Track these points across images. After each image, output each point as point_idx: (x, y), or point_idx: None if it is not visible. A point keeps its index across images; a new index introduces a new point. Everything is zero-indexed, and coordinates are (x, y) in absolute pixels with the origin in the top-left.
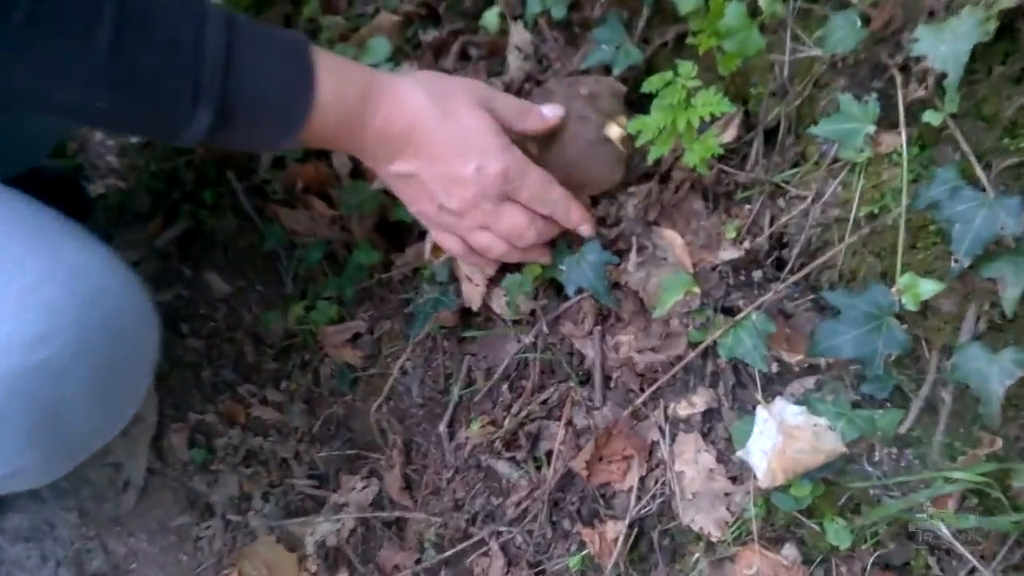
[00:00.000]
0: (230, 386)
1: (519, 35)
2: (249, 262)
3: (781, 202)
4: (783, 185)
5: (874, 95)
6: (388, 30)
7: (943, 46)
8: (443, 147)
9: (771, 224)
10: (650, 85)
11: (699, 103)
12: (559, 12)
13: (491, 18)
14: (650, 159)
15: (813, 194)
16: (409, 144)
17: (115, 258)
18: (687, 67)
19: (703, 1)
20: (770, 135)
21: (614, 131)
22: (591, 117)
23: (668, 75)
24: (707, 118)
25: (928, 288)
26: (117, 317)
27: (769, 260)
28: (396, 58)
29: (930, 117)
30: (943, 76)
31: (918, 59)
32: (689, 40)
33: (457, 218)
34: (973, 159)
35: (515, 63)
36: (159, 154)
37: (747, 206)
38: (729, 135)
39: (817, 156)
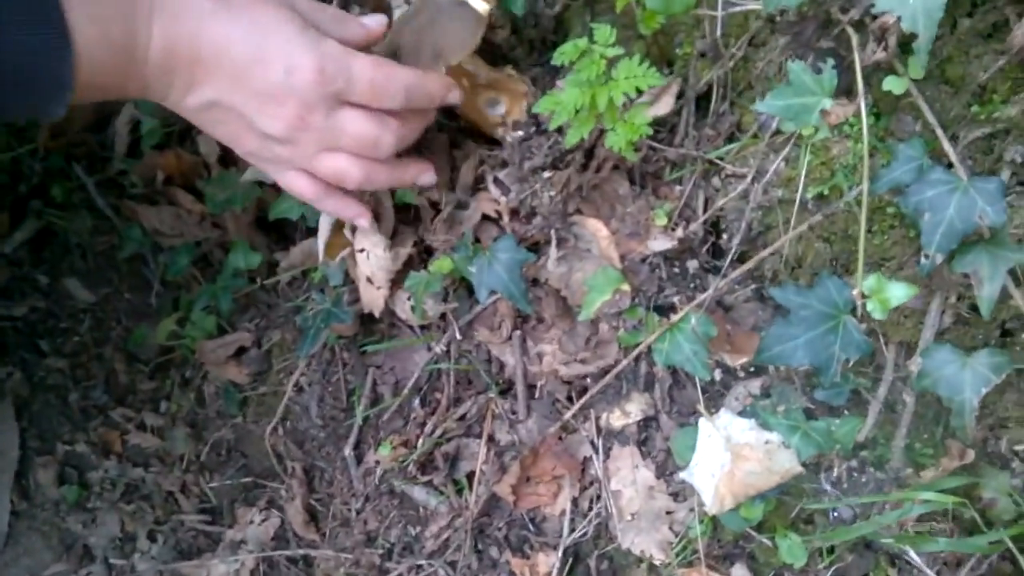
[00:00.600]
0: (102, 410)
1: None
2: (113, 267)
3: (716, 180)
4: (718, 162)
5: (830, 62)
6: None
7: (912, 0)
8: (240, 57)
9: (706, 207)
10: (562, 56)
11: (621, 76)
12: None
13: None
14: (567, 143)
15: (753, 172)
16: (199, 64)
17: None
18: (604, 31)
19: None
20: (700, 102)
21: None
22: None
23: (583, 43)
24: (632, 93)
25: (899, 294)
26: None
27: (705, 248)
28: None
29: (892, 84)
30: (909, 36)
31: (875, 15)
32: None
33: (289, 146)
34: (939, 131)
35: None
36: None
37: (678, 187)
38: (663, 108)
39: (756, 128)
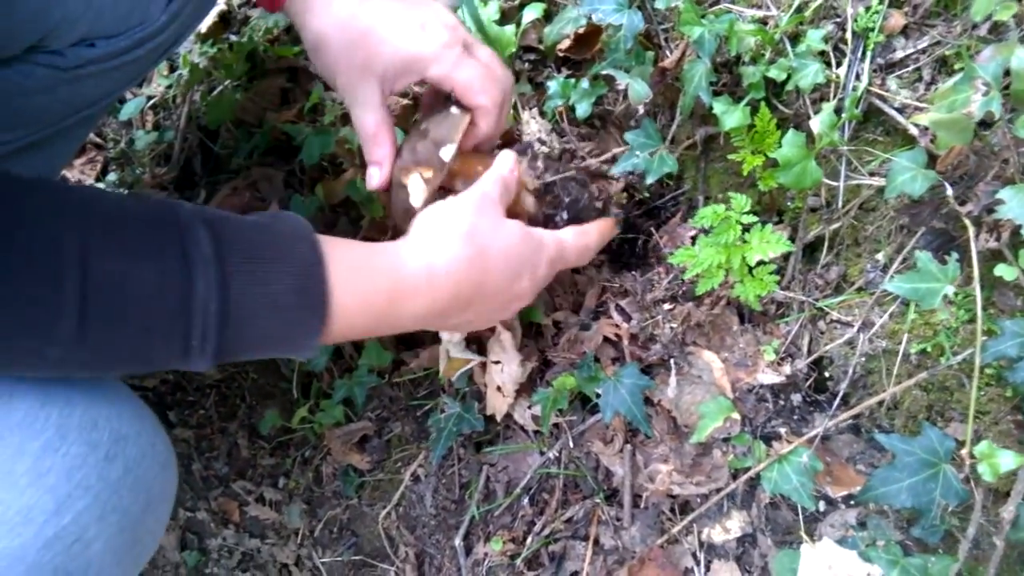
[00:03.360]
0: (223, 481)
1: (538, 124)
2: None
3: (822, 324)
4: (824, 308)
5: (954, 256)
6: (396, 113)
7: None
8: (491, 288)
9: (810, 348)
10: (702, 220)
11: (754, 240)
12: (584, 110)
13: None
14: (697, 291)
15: (859, 323)
16: (455, 307)
17: (127, 396)
18: (740, 201)
19: (748, 118)
20: (808, 251)
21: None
22: None
23: (720, 209)
24: (764, 256)
25: (1008, 461)
26: (138, 467)
27: (808, 383)
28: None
29: (1003, 271)
30: (1018, 227)
31: (990, 209)
32: (732, 156)
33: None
34: None
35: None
36: None
37: (784, 326)
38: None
39: (861, 281)
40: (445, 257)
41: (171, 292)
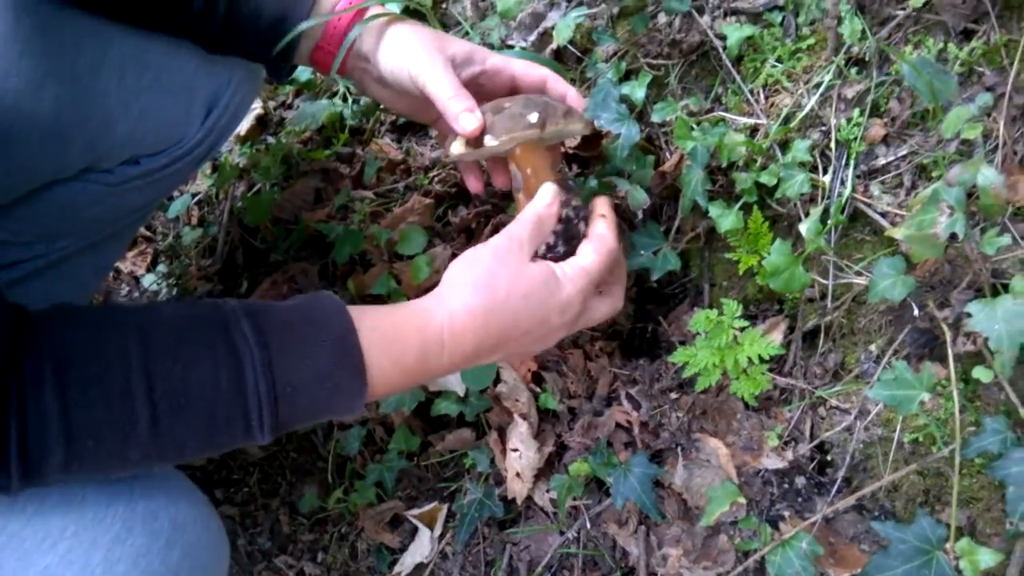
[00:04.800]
0: (266, 555)
1: None
2: None
3: (822, 411)
4: (824, 396)
5: (928, 365)
6: (420, 211)
7: (997, 325)
8: (520, 329)
9: (812, 434)
10: (697, 325)
11: (746, 343)
12: None
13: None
14: (697, 388)
15: (857, 411)
16: (487, 347)
17: (183, 485)
18: (732, 306)
19: (742, 221)
20: (807, 337)
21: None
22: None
23: (713, 315)
24: (755, 358)
25: (987, 559)
26: (195, 550)
27: (812, 466)
28: (430, 239)
29: (980, 374)
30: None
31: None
32: (728, 255)
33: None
34: (1022, 410)
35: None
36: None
37: (788, 411)
38: (775, 339)
39: (858, 370)
40: (464, 310)
41: (226, 382)
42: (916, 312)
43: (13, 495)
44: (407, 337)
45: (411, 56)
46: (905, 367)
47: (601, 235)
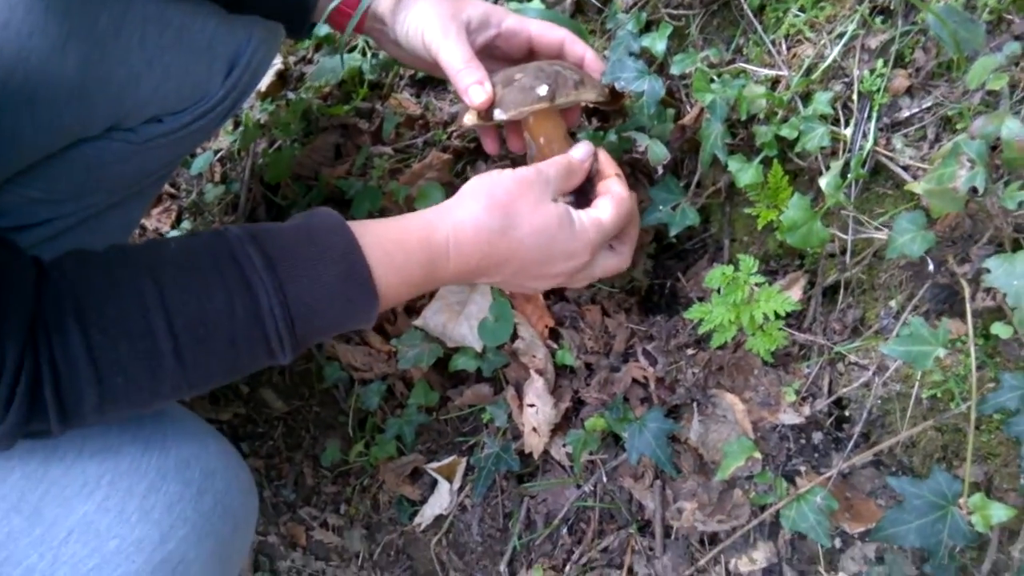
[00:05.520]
0: (290, 507)
1: None
2: (305, 383)
3: (840, 366)
4: (843, 351)
5: (944, 320)
6: (438, 167)
7: (1015, 281)
8: (524, 260)
9: (830, 390)
10: (712, 281)
11: (762, 299)
12: None
13: None
14: (712, 344)
15: (875, 367)
16: (490, 266)
17: (212, 435)
18: (748, 262)
19: (761, 175)
20: (827, 292)
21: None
22: None
23: (729, 271)
24: (771, 314)
25: (1000, 514)
26: (226, 497)
27: (830, 421)
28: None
29: (999, 330)
30: None
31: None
32: (748, 210)
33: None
34: None
35: None
36: None
37: (806, 367)
38: (794, 295)
39: (877, 326)
40: (473, 225)
41: (242, 309)
42: (934, 268)
43: (55, 438)
44: (412, 249)
45: (425, 22)
46: (921, 323)
47: (617, 192)
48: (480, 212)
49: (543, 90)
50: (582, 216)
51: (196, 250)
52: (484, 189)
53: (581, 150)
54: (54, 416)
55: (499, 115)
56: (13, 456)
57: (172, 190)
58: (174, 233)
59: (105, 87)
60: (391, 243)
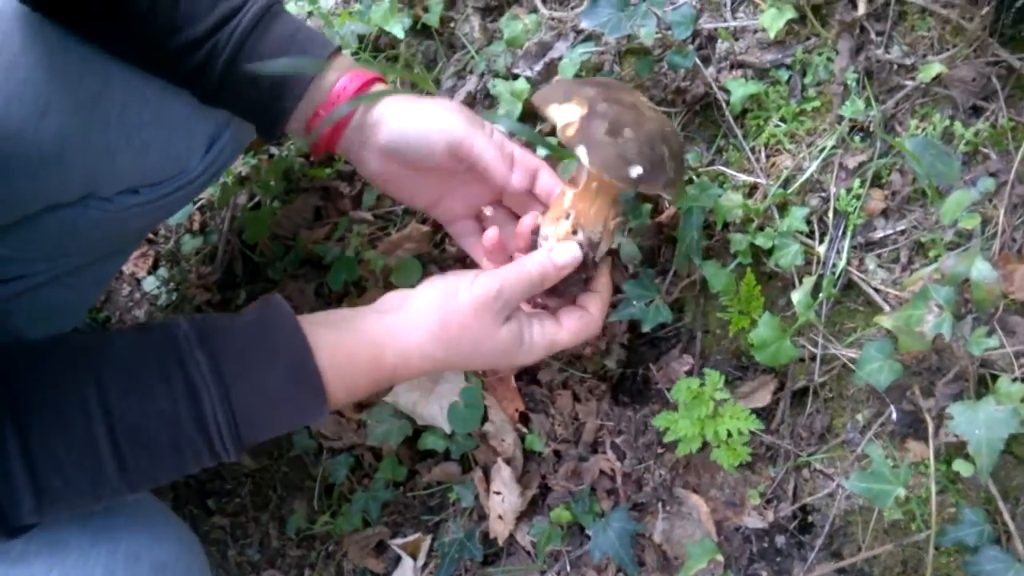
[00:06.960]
0: (255, 568)
1: None
2: (275, 441)
3: (806, 472)
4: (808, 460)
5: (907, 460)
6: (417, 239)
7: (978, 430)
8: (470, 367)
9: (795, 496)
10: (678, 393)
11: (726, 415)
12: None
13: None
14: (678, 453)
15: (840, 478)
16: (433, 372)
17: (167, 521)
18: (714, 377)
19: (735, 283)
20: (798, 395)
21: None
22: None
23: (695, 384)
24: (734, 432)
25: None
26: None
27: (793, 525)
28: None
29: (961, 467)
30: None
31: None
32: (720, 315)
33: None
34: (1001, 504)
35: None
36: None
37: (772, 470)
38: (760, 401)
39: (844, 437)
40: (419, 355)
41: (186, 414)
42: (900, 396)
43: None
44: (360, 366)
45: (441, 118)
46: (882, 460)
47: (591, 315)
48: (427, 342)
49: (635, 171)
50: (535, 335)
51: (143, 350)
52: (436, 315)
53: (566, 254)
54: None
55: (582, 157)
56: None
57: (151, 236)
58: (150, 280)
59: (82, 157)
60: (343, 356)
